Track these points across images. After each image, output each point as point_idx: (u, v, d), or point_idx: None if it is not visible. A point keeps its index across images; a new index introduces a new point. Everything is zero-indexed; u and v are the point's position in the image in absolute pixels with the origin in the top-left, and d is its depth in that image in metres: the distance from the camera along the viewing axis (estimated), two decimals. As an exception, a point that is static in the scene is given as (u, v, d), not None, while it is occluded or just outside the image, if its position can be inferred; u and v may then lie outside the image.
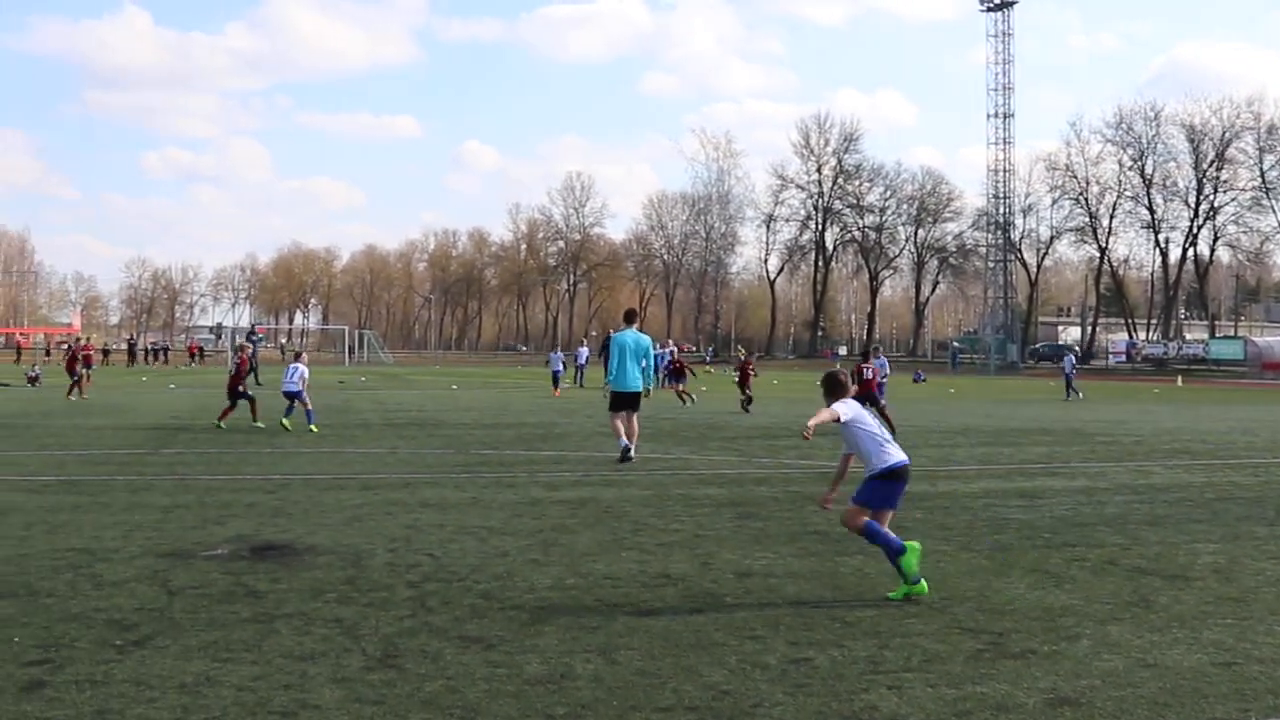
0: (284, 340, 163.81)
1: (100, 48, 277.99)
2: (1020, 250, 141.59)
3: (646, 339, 22.22)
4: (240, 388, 29.26)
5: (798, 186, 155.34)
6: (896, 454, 10.49)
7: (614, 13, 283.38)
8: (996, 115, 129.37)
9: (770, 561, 11.80)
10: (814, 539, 13.16)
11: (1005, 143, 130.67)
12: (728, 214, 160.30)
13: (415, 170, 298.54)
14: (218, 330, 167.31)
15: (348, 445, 24.83)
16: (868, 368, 30.97)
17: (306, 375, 29.51)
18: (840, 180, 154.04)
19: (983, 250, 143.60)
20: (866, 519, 10.38)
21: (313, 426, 28.27)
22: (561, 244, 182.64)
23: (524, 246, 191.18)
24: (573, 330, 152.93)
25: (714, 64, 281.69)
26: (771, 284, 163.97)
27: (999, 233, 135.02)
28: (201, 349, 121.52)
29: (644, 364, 21.92)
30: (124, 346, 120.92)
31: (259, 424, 28.45)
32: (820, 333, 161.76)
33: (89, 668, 7.82)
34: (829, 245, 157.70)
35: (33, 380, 55.46)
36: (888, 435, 10.71)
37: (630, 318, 23.00)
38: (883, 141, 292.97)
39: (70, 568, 11.28)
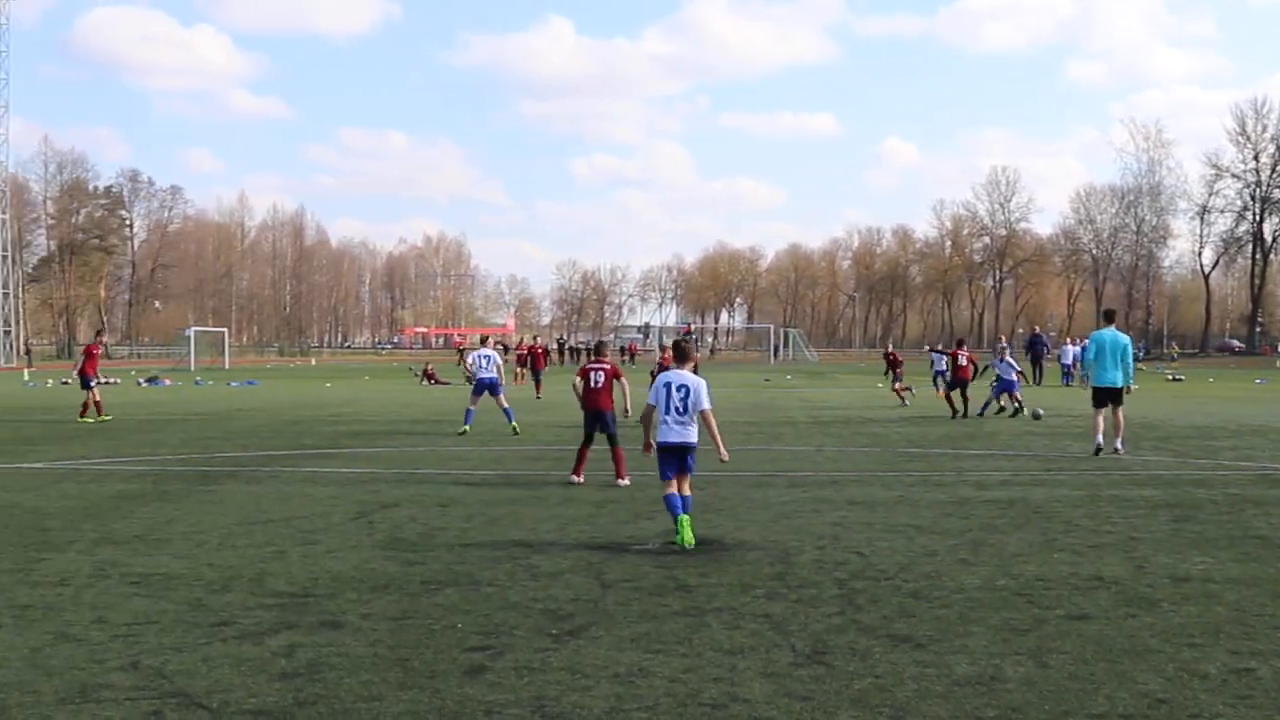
0: (710, 339, 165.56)
1: (527, 58, 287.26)
2: None
3: (1125, 338, 22.33)
4: None
5: (1233, 175, 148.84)
6: (665, 435, 12.81)
7: (1033, 2, 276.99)
8: None
9: (1209, 566, 11.41)
10: (1255, 544, 12.67)
11: None
12: (1159, 206, 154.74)
13: (835, 167, 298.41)
14: (645, 330, 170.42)
15: (775, 443, 25.02)
16: (962, 354, 33.94)
17: (500, 363, 28.91)
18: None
19: None
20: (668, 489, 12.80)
21: (515, 425, 27.72)
22: (987, 240, 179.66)
23: (949, 243, 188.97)
24: (998, 327, 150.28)
25: (1140, 50, 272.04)
26: (1206, 278, 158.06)
27: None
28: (633, 351, 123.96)
29: (1123, 361, 22.13)
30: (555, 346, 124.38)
31: None
32: (1259, 329, 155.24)
33: (527, 655, 8.09)
34: (1268, 236, 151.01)
35: (470, 380, 57.58)
36: (676, 415, 12.78)
37: (1110, 317, 23.49)
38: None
39: (509, 559, 11.70)
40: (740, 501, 15.84)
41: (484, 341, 31.10)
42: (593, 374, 18.76)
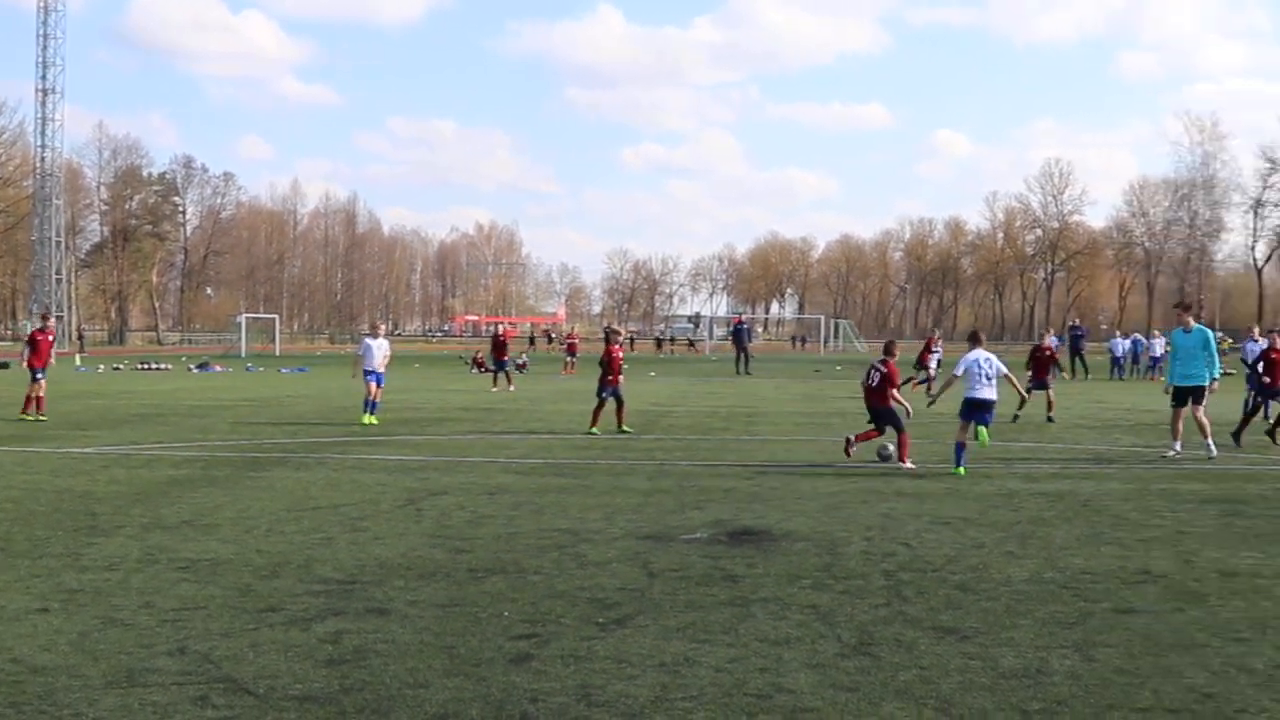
0: (762, 330, 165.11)
1: (577, 47, 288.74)
2: None
3: (1207, 330, 21.16)
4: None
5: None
6: (975, 392, 18.48)
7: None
8: None
9: (1258, 561, 11.36)
10: (1306, 539, 12.60)
11: None
12: (1212, 199, 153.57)
13: (887, 159, 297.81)
14: (696, 319, 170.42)
15: (824, 434, 24.96)
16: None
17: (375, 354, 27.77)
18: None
19: None
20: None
21: (372, 417, 26.97)
22: (1039, 232, 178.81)
23: (1001, 235, 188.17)
24: (1049, 320, 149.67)
25: (1193, 42, 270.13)
26: (1259, 272, 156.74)
27: None
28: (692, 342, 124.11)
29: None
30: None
31: None
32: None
33: (573, 643, 8.13)
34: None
35: (521, 367, 57.60)
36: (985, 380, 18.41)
37: (1187, 309, 21.96)
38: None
39: (556, 547, 11.73)
40: (788, 492, 15.83)
41: (374, 331, 29.37)
42: (872, 372, 19.86)
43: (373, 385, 27.26)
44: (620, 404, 25.15)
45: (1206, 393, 20.82)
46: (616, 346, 26.06)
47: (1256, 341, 30.04)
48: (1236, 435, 22.68)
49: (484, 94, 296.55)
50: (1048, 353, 31.38)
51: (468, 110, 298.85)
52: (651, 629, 8.53)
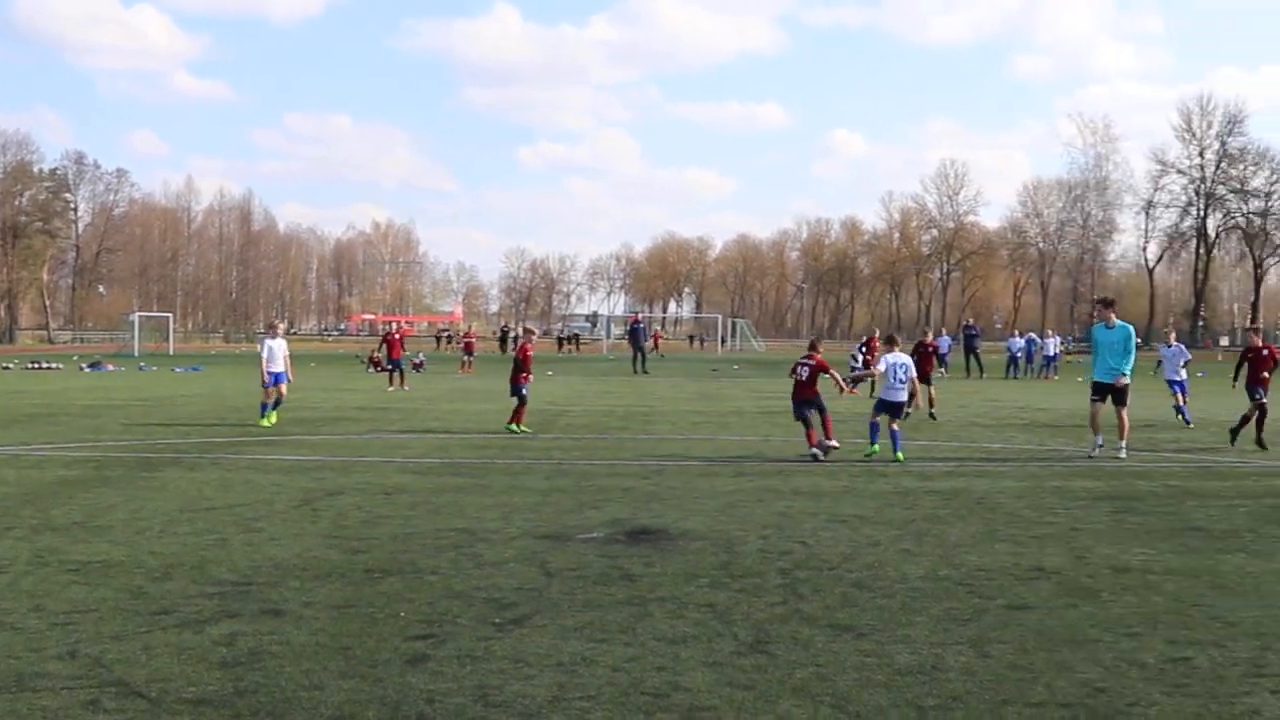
0: (657, 329, 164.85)
1: (474, 45, 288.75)
2: None
3: (1128, 327, 21.28)
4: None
5: (1178, 171, 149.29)
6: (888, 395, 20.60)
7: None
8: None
9: (1148, 557, 11.49)
10: (1194, 535, 12.77)
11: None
12: (1105, 200, 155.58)
13: (784, 158, 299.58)
14: (593, 319, 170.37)
15: (722, 432, 25.04)
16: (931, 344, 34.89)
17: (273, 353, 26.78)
18: (1224, 164, 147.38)
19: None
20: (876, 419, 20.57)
21: (270, 418, 26.22)
22: (935, 232, 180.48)
23: (897, 235, 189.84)
24: (945, 319, 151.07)
25: (1086, 45, 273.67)
26: (1150, 272, 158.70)
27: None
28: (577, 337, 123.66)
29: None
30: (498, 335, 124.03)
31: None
32: (1201, 323, 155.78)
33: (470, 644, 8.09)
34: (1211, 232, 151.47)
35: (418, 366, 57.36)
36: (897, 382, 20.49)
37: (1109, 305, 21.77)
38: (1271, 122, 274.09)
39: (453, 547, 11.68)
40: (686, 491, 15.85)
41: (272, 331, 28.34)
42: (800, 368, 21.07)
43: (273, 387, 26.63)
44: (523, 403, 24.99)
45: (1129, 392, 20.86)
46: (530, 345, 26.09)
47: (1171, 347, 30.41)
48: (1259, 441, 22.43)
49: (382, 91, 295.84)
50: (931, 349, 31.86)
51: (365, 107, 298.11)
52: (549, 629, 8.51)
